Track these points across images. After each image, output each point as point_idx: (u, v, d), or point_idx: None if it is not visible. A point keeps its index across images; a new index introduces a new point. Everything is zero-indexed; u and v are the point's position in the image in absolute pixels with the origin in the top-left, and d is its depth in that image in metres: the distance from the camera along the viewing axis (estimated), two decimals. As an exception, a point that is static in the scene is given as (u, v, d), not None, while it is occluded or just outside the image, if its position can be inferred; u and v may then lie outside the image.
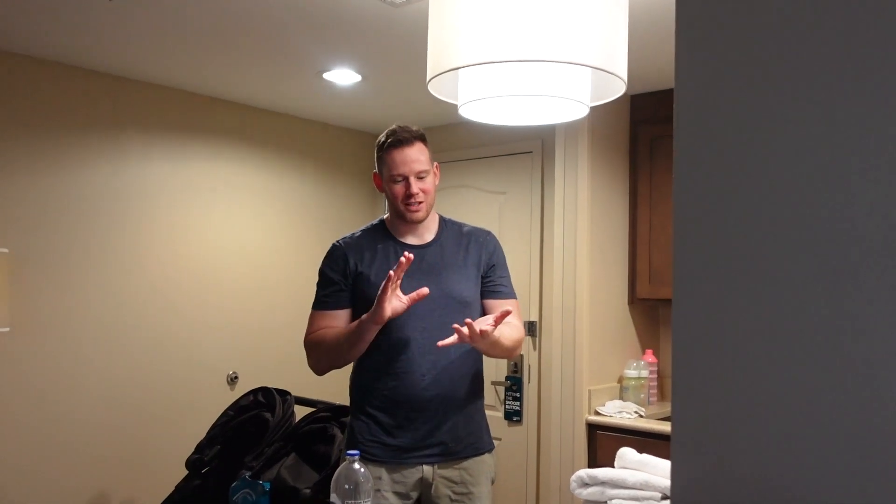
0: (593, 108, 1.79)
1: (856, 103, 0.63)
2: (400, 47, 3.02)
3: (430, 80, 1.65)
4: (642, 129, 3.65)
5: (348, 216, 4.46)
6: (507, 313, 1.91)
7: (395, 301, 1.96)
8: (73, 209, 3.33)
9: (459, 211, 2.23)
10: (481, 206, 4.14)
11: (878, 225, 0.61)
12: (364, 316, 2.00)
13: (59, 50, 3.14)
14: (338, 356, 2.13)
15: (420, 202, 2.13)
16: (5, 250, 3.04)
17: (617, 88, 1.69)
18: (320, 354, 2.15)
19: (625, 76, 1.61)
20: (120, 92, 3.49)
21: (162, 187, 3.66)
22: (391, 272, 1.92)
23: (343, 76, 3.45)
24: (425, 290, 1.97)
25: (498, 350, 2.07)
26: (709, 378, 0.71)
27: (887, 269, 0.61)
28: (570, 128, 3.48)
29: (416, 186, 2.11)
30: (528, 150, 4.05)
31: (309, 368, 2.21)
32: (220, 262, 3.88)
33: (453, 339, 1.91)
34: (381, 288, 1.93)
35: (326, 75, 3.43)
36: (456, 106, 1.78)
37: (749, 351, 0.68)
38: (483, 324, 1.92)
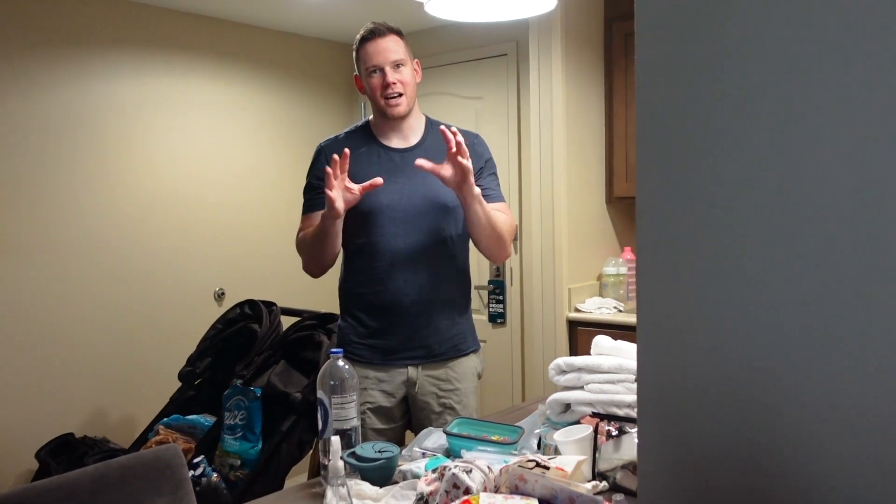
0: (567, 6, 1.77)
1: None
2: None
3: (393, -22, 1.62)
4: (617, 25, 3.59)
5: (325, 127, 4.42)
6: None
7: (347, 193, 1.98)
8: (46, 130, 3.28)
9: (436, 118, 2.22)
10: (458, 113, 4.11)
11: (837, 99, 0.63)
12: (323, 211, 2.02)
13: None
14: (313, 253, 2.14)
15: (399, 94, 2.09)
16: (-21, 176, 3.01)
17: (583, -21, 1.67)
18: (303, 253, 2.18)
19: (590, -35, 1.59)
20: (84, 8, 3.38)
21: (135, 105, 3.59)
22: (327, 168, 1.94)
23: (310, -18, 3.35)
24: (379, 181, 1.99)
25: (482, 220, 2.05)
26: (669, 266, 0.74)
27: (839, 140, 0.63)
28: (544, 27, 3.43)
29: (392, 76, 2.08)
30: (503, 52, 3.99)
31: (296, 277, 2.24)
32: (200, 180, 3.86)
33: (430, 164, 1.95)
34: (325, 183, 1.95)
35: (293, -18, 3.34)
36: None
37: (705, 241, 0.71)
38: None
